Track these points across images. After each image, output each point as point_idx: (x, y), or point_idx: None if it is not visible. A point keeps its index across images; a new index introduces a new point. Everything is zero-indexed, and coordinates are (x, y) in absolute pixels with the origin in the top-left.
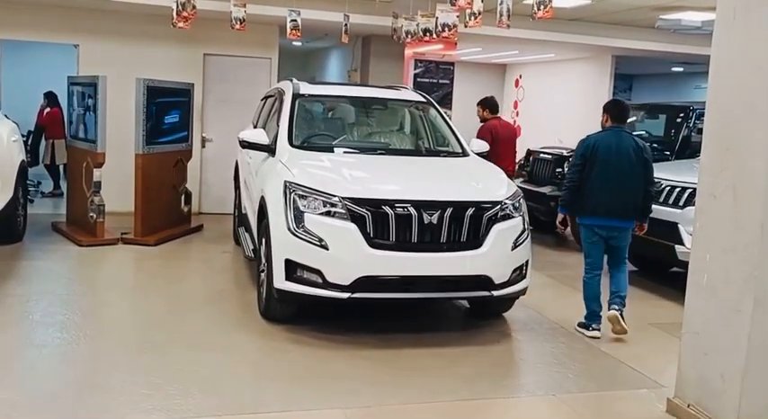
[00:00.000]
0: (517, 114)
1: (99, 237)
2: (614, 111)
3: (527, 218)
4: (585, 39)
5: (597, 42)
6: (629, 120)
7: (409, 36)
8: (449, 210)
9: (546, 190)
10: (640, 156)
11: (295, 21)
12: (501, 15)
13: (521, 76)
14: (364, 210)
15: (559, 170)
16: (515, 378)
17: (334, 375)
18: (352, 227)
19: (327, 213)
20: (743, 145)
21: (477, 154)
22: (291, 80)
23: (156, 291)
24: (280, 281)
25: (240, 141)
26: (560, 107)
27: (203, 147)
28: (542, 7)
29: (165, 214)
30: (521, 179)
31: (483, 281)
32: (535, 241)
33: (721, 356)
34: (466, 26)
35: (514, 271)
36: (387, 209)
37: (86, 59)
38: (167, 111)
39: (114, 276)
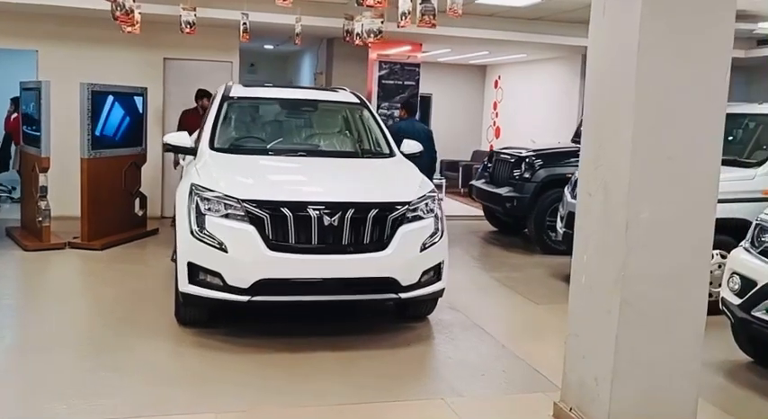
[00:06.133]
0: (497, 115)
1: (45, 242)
2: (409, 108)
3: (443, 218)
4: (547, 38)
5: (559, 41)
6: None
7: (357, 38)
8: (350, 212)
9: (503, 191)
10: (429, 135)
11: (245, 24)
12: (423, 15)
13: (500, 78)
14: (263, 213)
15: (517, 171)
16: (412, 381)
17: (222, 379)
18: (251, 229)
19: (227, 215)
20: (612, 142)
21: (408, 155)
22: (227, 83)
23: (84, 294)
24: (184, 285)
25: (163, 144)
26: (535, 107)
27: (165, 150)
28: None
29: (116, 218)
30: (483, 180)
31: (389, 284)
32: (495, 242)
33: (596, 359)
34: (399, 26)
35: (425, 273)
36: (285, 211)
37: (46, 65)
38: (117, 115)
39: (47, 280)
